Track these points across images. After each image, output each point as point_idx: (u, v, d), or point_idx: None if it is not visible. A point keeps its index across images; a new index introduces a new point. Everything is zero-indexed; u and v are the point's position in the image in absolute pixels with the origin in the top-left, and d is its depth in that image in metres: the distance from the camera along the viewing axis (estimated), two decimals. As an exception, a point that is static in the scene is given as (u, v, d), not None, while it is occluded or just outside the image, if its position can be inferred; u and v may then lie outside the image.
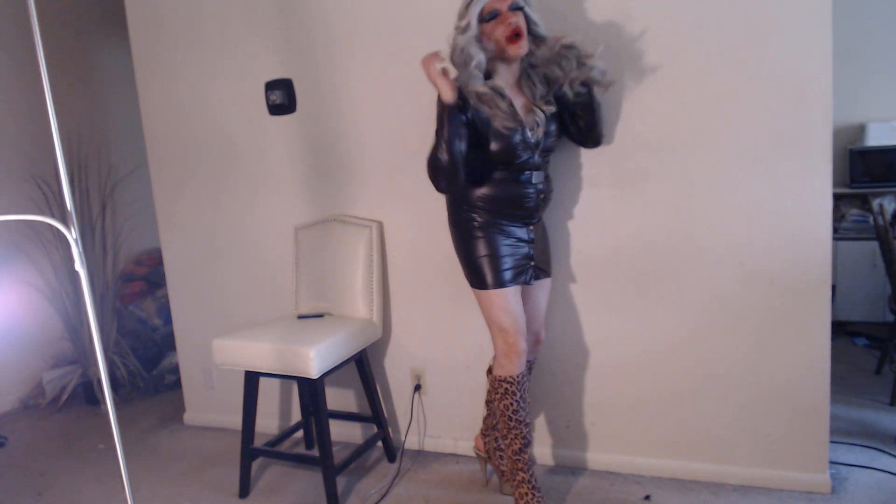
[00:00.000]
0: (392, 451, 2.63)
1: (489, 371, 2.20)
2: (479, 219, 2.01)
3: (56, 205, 3.52)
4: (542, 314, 2.22)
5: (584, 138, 2.12)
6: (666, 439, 2.32)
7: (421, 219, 2.52)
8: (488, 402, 2.29)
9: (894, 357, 3.06)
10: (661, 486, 2.27)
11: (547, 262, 2.18)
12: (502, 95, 1.93)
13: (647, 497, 2.21)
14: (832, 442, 2.32)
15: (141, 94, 2.99)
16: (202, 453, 2.84)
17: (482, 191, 2.00)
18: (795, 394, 2.14)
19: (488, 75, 1.96)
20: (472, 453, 2.55)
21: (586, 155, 2.25)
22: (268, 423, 2.95)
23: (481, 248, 2.00)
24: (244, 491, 2.43)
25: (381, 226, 2.60)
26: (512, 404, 2.02)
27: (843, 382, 3.03)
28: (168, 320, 3.78)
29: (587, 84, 2.00)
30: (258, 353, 2.29)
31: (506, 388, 2.02)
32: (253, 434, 2.42)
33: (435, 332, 2.59)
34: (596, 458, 2.42)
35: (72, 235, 1.53)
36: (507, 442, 2.07)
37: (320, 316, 2.58)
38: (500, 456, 2.27)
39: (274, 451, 2.52)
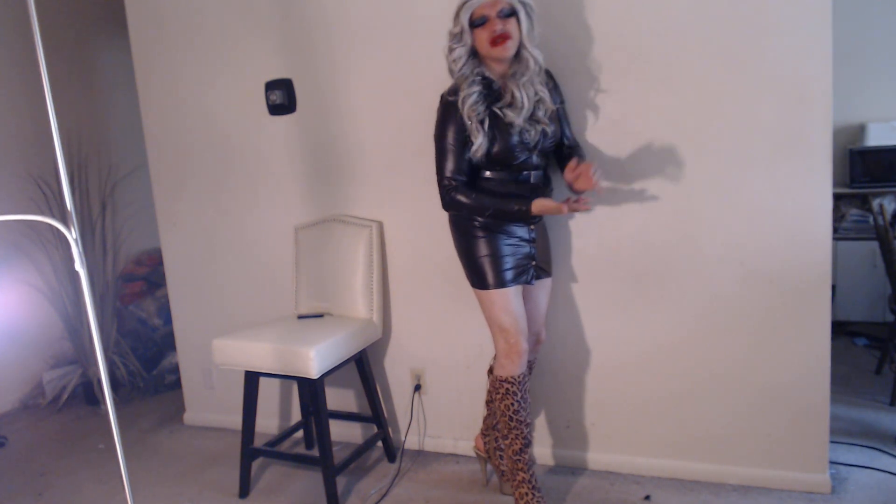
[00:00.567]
0: (392, 451, 2.63)
1: (490, 371, 2.20)
2: (479, 219, 2.01)
3: (56, 205, 3.52)
4: (542, 314, 2.22)
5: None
6: (666, 439, 2.32)
7: (421, 219, 2.52)
8: (489, 402, 2.29)
9: (894, 357, 3.06)
10: (661, 486, 2.27)
11: (547, 261, 2.18)
12: (500, 103, 1.94)
13: (647, 497, 2.21)
14: (832, 442, 2.32)
15: (141, 94, 2.99)
16: (202, 453, 2.84)
17: (484, 188, 2.00)
18: (795, 394, 2.14)
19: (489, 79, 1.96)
20: (472, 453, 2.55)
21: (587, 155, 2.25)
22: (268, 423, 2.95)
23: (482, 248, 2.01)
24: (244, 491, 2.43)
25: (381, 226, 2.60)
26: (513, 404, 2.02)
27: (843, 382, 3.03)
28: (168, 320, 3.78)
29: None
30: (258, 353, 2.29)
31: (507, 389, 2.02)
32: (253, 434, 2.42)
33: (435, 332, 2.59)
34: (596, 458, 2.42)
35: (72, 235, 1.53)
36: (507, 442, 2.07)
37: (320, 316, 2.58)
38: (500, 456, 2.27)
39: (274, 451, 2.52)
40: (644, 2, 2.12)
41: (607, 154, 2.23)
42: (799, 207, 2.05)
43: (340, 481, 2.46)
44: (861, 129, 3.88)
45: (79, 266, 1.54)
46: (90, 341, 3.46)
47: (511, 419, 2.03)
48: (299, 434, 2.89)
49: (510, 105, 1.94)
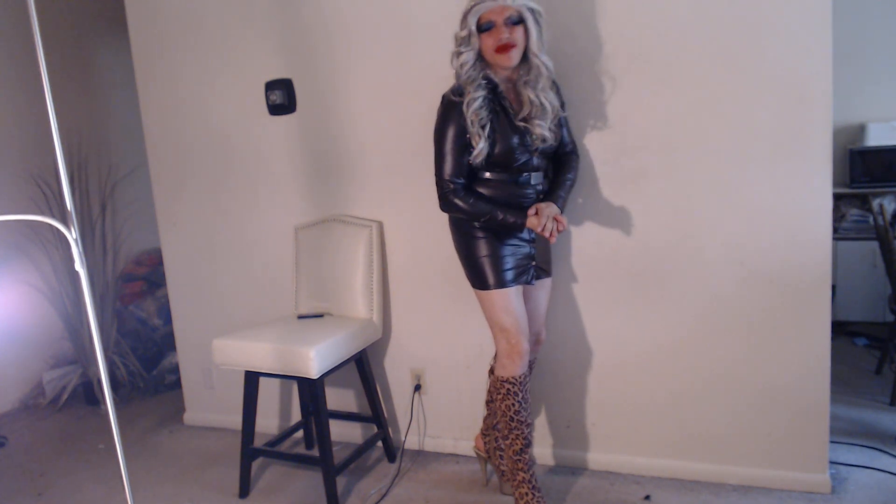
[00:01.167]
0: (392, 451, 2.63)
1: (491, 371, 2.20)
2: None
3: (56, 205, 3.52)
4: (542, 314, 2.22)
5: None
6: (666, 439, 2.32)
7: (421, 219, 2.52)
8: (489, 402, 2.29)
9: (894, 357, 3.06)
10: (661, 486, 2.27)
11: (547, 261, 2.18)
12: (503, 106, 1.95)
13: (647, 497, 2.21)
14: (832, 442, 2.32)
15: (141, 94, 2.99)
16: (202, 453, 2.84)
17: (484, 193, 2.00)
18: (795, 394, 2.14)
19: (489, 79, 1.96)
20: (472, 453, 2.55)
21: (586, 154, 2.25)
22: (268, 423, 2.95)
23: (482, 249, 2.01)
24: (244, 491, 2.43)
25: (381, 226, 2.60)
26: (514, 405, 2.02)
27: (843, 382, 3.03)
28: (168, 320, 3.78)
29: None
30: (258, 353, 2.29)
31: (508, 389, 2.02)
32: (253, 434, 2.42)
33: (435, 332, 2.59)
34: (596, 458, 2.42)
35: (72, 235, 1.53)
36: (507, 442, 2.07)
37: (320, 316, 2.58)
38: (501, 456, 2.27)
39: (274, 451, 2.52)
40: (644, 2, 2.12)
41: (607, 153, 2.23)
42: (799, 207, 2.05)
43: (340, 481, 2.46)
44: (861, 129, 3.88)
45: (79, 266, 1.54)
46: (90, 341, 3.46)
47: (512, 419, 2.03)
48: (299, 434, 2.89)
49: (531, 114, 1.94)
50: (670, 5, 2.09)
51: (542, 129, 1.95)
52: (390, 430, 2.70)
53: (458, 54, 1.94)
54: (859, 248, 3.72)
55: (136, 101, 3.01)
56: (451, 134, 1.94)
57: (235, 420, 2.86)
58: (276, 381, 2.93)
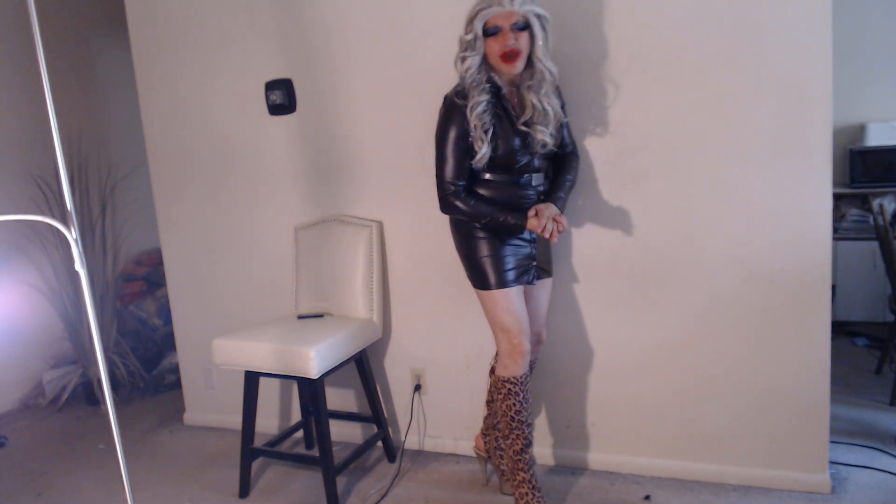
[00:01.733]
0: (392, 451, 2.63)
1: (492, 371, 2.20)
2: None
3: (56, 205, 3.52)
4: (543, 314, 2.22)
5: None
6: (666, 439, 2.32)
7: (421, 219, 2.52)
8: (489, 402, 2.29)
9: (894, 357, 3.06)
10: (661, 486, 2.27)
11: (548, 261, 2.18)
12: (505, 108, 1.95)
13: (647, 497, 2.21)
14: (832, 442, 2.32)
15: (141, 94, 2.99)
16: (202, 453, 2.84)
17: (484, 194, 2.00)
18: (795, 394, 2.14)
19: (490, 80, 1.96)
20: (472, 453, 2.55)
21: (586, 154, 2.25)
22: (268, 423, 2.95)
23: (484, 249, 2.00)
24: (244, 491, 2.43)
25: (381, 226, 2.60)
26: (515, 405, 2.02)
27: (843, 382, 3.03)
28: (168, 320, 3.78)
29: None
30: (258, 353, 2.29)
31: (509, 389, 2.02)
32: (253, 434, 2.42)
33: (435, 332, 2.59)
34: (596, 458, 2.42)
35: (72, 235, 1.53)
36: (508, 442, 2.07)
37: (320, 316, 2.58)
38: (501, 455, 2.27)
39: (274, 451, 2.52)
40: (645, 2, 2.11)
41: (607, 153, 2.23)
42: (799, 207, 2.05)
43: (340, 481, 2.46)
44: (861, 129, 3.88)
45: (79, 266, 1.54)
46: (90, 341, 3.46)
47: (513, 419, 2.03)
48: (299, 434, 2.89)
49: (533, 119, 1.94)
50: (670, 5, 2.09)
51: (544, 135, 1.95)
52: (390, 430, 2.70)
53: (463, 58, 1.93)
54: (859, 248, 3.71)
55: (136, 101, 3.01)
56: (452, 136, 1.94)
57: (235, 420, 2.86)
58: (276, 381, 2.93)
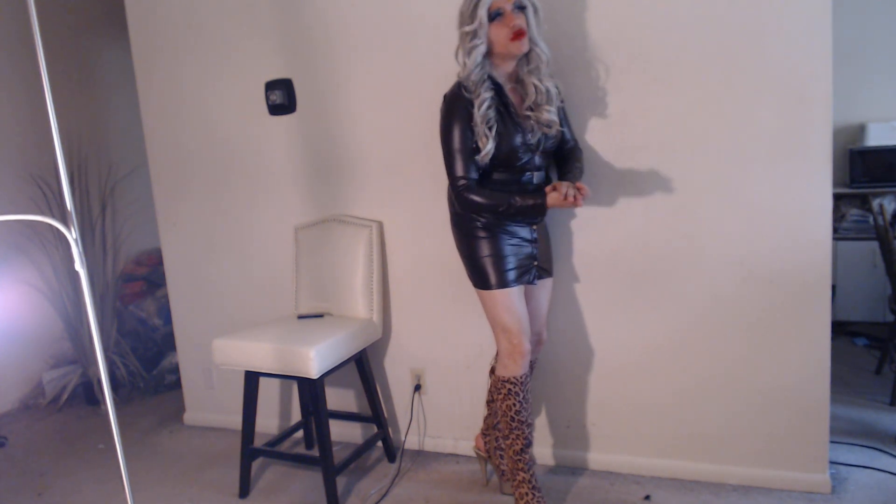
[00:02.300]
0: (392, 451, 2.63)
1: (492, 371, 2.20)
2: (482, 219, 2.00)
3: (56, 205, 3.52)
4: (543, 314, 2.22)
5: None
6: (666, 439, 2.32)
7: (421, 219, 2.52)
8: (489, 402, 2.29)
9: (894, 357, 3.06)
10: (661, 486, 2.27)
11: (549, 261, 2.18)
12: (505, 105, 1.95)
13: (647, 497, 2.21)
14: (832, 442, 2.32)
15: (141, 95, 2.99)
16: (202, 453, 2.84)
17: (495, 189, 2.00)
18: (795, 394, 2.14)
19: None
20: (472, 453, 2.55)
21: (586, 155, 2.25)
22: (268, 423, 2.95)
23: (485, 249, 2.00)
24: (244, 491, 2.43)
25: (381, 226, 2.60)
26: (515, 405, 2.02)
27: (843, 382, 3.03)
28: (168, 320, 3.78)
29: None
30: (258, 353, 2.29)
31: (509, 389, 2.02)
32: (253, 434, 2.42)
33: (435, 332, 2.59)
34: (596, 458, 2.42)
35: (72, 235, 1.53)
36: (508, 442, 2.07)
37: (320, 316, 2.58)
38: (501, 455, 2.27)
39: (274, 451, 2.52)
40: (645, 2, 2.11)
41: (607, 154, 2.23)
42: (799, 207, 2.05)
43: (340, 481, 2.46)
44: (861, 129, 3.89)
45: (79, 266, 1.54)
46: (90, 341, 3.46)
47: (513, 419, 2.03)
48: (299, 434, 2.89)
49: (537, 100, 1.95)
50: (670, 5, 2.09)
51: (550, 114, 1.96)
52: (390, 430, 2.70)
53: (469, 51, 1.92)
54: (859, 248, 3.72)
55: (136, 102, 3.01)
56: (457, 131, 1.94)
57: (235, 420, 2.86)
58: (276, 381, 2.93)
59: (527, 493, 2.05)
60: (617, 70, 2.18)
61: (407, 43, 2.44)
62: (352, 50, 2.54)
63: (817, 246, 2.05)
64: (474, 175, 1.96)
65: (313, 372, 2.20)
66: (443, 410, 2.64)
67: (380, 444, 2.68)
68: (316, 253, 2.65)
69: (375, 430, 2.67)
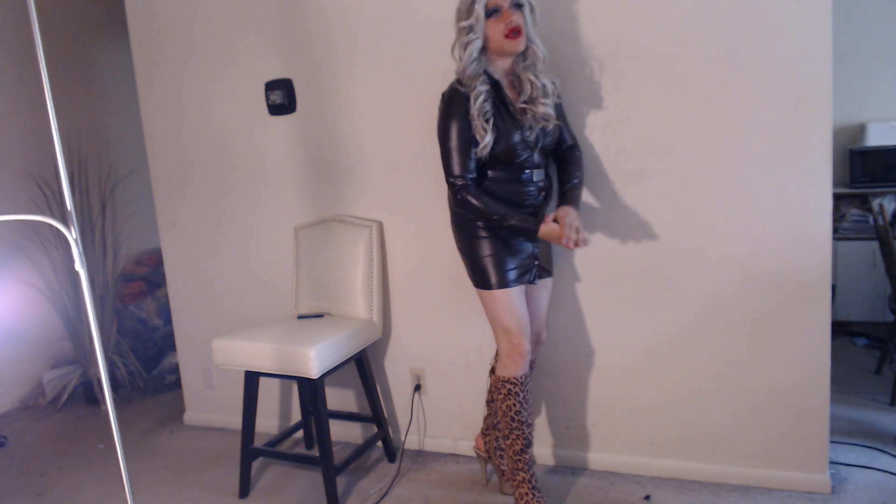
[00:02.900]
0: (392, 451, 2.63)
1: (492, 371, 2.20)
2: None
3: (56, 205, 3.52)
4: (543, 314, 2.22)
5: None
6: (666, 439, 2.32)
7: (421, 218, 2.52)
8: (489, 402, 2.29)
9: (894, 357, 3.06)
10: (661, 486, 2.27)
11: (549, 261, 2.18)
12: (503, 102, 1.95)
13: (647, 497, 2.21)
14: (832, 442, 2.32)
15: (141, 94, 2.99)
16: (202, 453, 2.84)
17: (493, 193, 2.00)
18: (795, 394, 2.14)
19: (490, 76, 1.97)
20: (472, 453, 2.55)
21: (586, 155, 2.25)
22: (268, 423, 2.95)
23: (485, 248, 2.00)
24: (244, 491, 2.43)
25: (381, 226, 2.60)
26: (515, 405, 2.02)
27: (843, 382, 3.02)
28: (168, 320, 3.78)
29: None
30: (258, 353, 2.29)
31: (509, 389, 2.02)
32: (253, 434, 2.42)
33: (435, 332, 2.59)
34: (596, 458, 2.42)
35: (72, 235, 1.53)
36: (508, 442, 2.07)
37: (320, 316, 2.58)
38: (501, 455, 2.27)
39: (274, 451, 2.52)
40: (644, 2, 2.11)
41: (607, 153, 2.23)
42: (799, 207, 2.05)
43: (340, 481, 2.46)
44: (861, 129, 3.88)
45: (79, 266, 1.54)
46: (90, 341, 3.46)
47: (513, 419, 2.03)
48: (299, 434, 2.89)
49: (534, 95, 1.96)
50: (670, 5, 2.09)
51: (546, 108, 1.97)
52: (390, 430, 2.70)
53: (465, 45, 1.93)
54: (859, 248, 3.71)
55: (136, 101, 3.01)
56: (455, 130, 1.94)
57: (235, 420, 2.86)
58: (276, 381, 2.93)
59: (527, 494, 2.05)
60: (616, 70, 2.18)
61: (407, 43, 2.44)
62: (352, 50, 2.54)
63: (817, 246, 2.05)
64: (472, 174, 1.96)
65: (313, 372, 2.20)
66: (443, 410, 2.64)
67: (380, 444, 2.68)
68: (316, 253, 2.65)
69: (375, 430, 2.67)
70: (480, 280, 2.03)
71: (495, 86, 1.96)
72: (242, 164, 2.83)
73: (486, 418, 2.32)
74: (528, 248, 2.05)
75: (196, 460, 2.78)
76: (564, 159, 2.14)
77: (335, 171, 2.66)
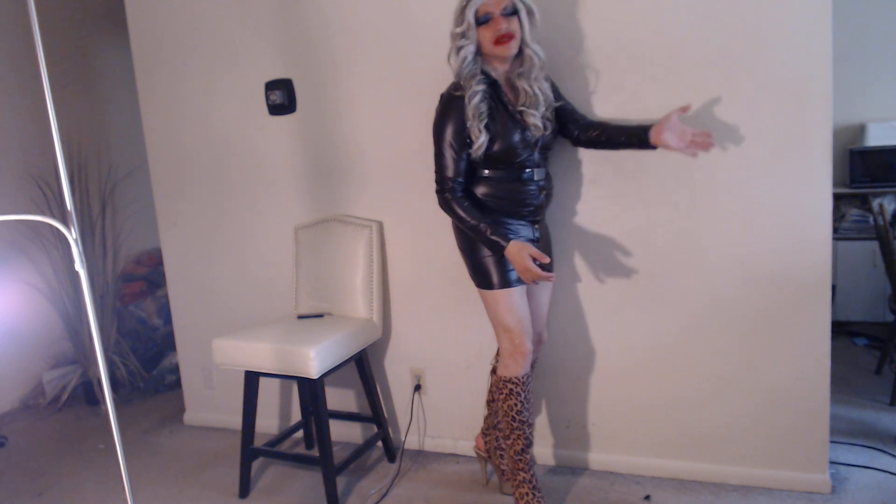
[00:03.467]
0: (392, 451, 2.63)
1: (493, 371, 2.20)
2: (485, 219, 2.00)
3: (56, 205, 3.52)
4: (544, 314, 2.22)
5: (575, 143, 2.16)
6: (666, 439, 2.32)
7: (421, 218, 2.52)
8: (490, 402, 2.29)
9: (894, 357, 3.06)
10: (661, 486, 2.27)
11: (550, 261, 2.18)
12: (502, 101, 1.95)
13: (647, 497, 2.21)
14: (832, 442, 2.32)
15: (141, 94, 2.99)
16: (202, 453, 2.84)
17: (485, 191, 2.00)
18: (795, 394, 2.14)
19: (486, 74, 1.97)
20: (472, 453, 2.55)
21: (586, 154, 2.25)
22: (268, 423, 2.95)
23: (486, 248, 2.00)
24: (244, 491, 2.43)
25: (381, 226, 2.60)
26: (516, 405, 2.02)
27: (843, 382, 3.02)
28: (168, 320, 3.78)
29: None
30: (258, 353, 2.29)
31: (510, 389, 2.02)
32: (253, 434, 2.42)
33: (435, 332, 2.59)
34: (596, 458, 2.42)
35: (72, 235, 1.53)
36: (509, 442, 2.07)
37: (320, 316, 2.58)
38: (501, 455, 2.27)
39: (274, 451, 2.52)
40: (644, 2, 2.11)
41: (607, 153, 2.23)
42: (799, 208, 2.05)
43: (340, 481, 2.46)
44: (861, 129, 3.88)
45: (79, 266, 1.54)
46: (90, 341, 3.46)
47: (514, 419, 2.03)
48: (299, 434, 2.89)
49: (524, 104, 1.95)
50: (670, 5, 2.09)
51: (535, 119, 1.96)
52: (390, 430, 2.70)
53: (458, 50, 1.94)
54: (859, 248, 3.71)
55: (136, 102, 3.01)
56: (450, 131, 1.94)
57: (235, 420, 2.86)
58: (276, 381, 2.93)
59: (527, 493, 2.05)
60: (617, 70, 2.18)
61: (407, 43, 2.44)
62: (352, 50, 2.54)
63: (817, 246, 2.05)
64: (461, 178, 1.97)
65: (313, 372, 2.20)
66: (443, 410, 2.64)
67: (380, 444, 2.68)
68: (316, 253, 2.65)
69: (375, 430, 2.67)
70: (482, 280, 2.03)
71: (493, 85, 1.96)
72: (242, 164, 2.83)
73: (486, 418, 2.32)
74: (529, 247, 2.05)
75: (196, 460, 2.78)
76: (594, 127, 2.08)
77: (335, 171, 2.66)
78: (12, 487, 2.65)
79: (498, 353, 2.13)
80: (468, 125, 1.92)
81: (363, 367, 2.51)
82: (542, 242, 2.11)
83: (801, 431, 2.14)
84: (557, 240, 2.32)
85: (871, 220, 3.70)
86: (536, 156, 2.01)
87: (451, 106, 1.94)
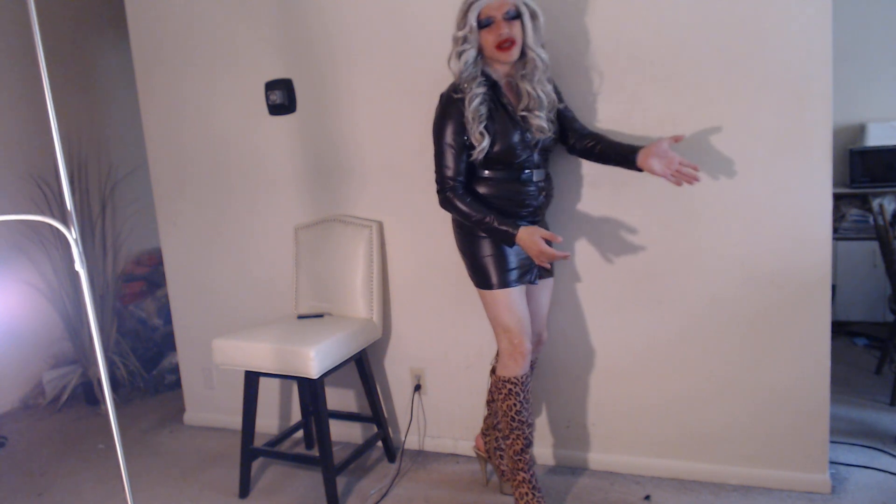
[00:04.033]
0: (392, 451, 2.63)
1: (493, 371, 2.20)
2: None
3: (56, 205, 3.52)
4: (544, 314, 2.22)
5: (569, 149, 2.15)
6: (666, 439, 2.32)
7: (421, 218, 2.52)
8: (490, 402, 2.29)
9: (894, 357, 3.06)
10: (661, 486, 2.27)
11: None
12: (501, 103, 1.95)
13: (647, 497, 2.21)
14: (832, 442, 2.32)
15: (141, 94, 2.99)
16: (202, 453, 2.84)
17: (485, 192, 2.00)
18: (795, 394, 2.14)
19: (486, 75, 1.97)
20: (472, 453, 2.55)
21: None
22: (268, 423, 2.95)
23: (486, 248, 2.00)
24: (244, 491, 2.43)
25: (381, 226, 2.60)
26: (515, 405, 2.02)
27: (843, 382, 3.02)
28: (168, 320, 3.78)
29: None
30: (258, 353, 2.29)
31: (510, 389, 2.02)
32: (253, 434, 2.42)
33: (435, 332, 2.59)
34: (596, 458, 2.42)
35: (72, 235, 1.53)
36: (508, 442, 2.07)
37: (320, 316, 2.58)
38: (501, 455, 2.27)
39: (274, 451, 2.52)
40: (645, 2, 2.11)
41: (607, 154, 2.23)
42: (799, 207, 2.05)
43: (340, 481, 2.46)
44: (861, 129, 3.88)
45: (79, 266, 1.54)
46: (90, 341, 3.46)
47: (513, 419, 2.03)
48: (299, 434, 2.89)
49: (528, 106, 1.95)
50: (671, 6, 2.09)
51: (540, 121, 1.96)
52: (390, 430, 2.70)
53: (459, 54, 1.94)
54: (859, 248, 3.71)
55: (136, 102, 3.01)
56: (449, 131, 1.95)
57: (235, 420, 2.86)
58: (276, 381, 2.93)
59: (527, 493, 2.05)
60: (617, 70, 2.18)
61: (407, 43, 2.44)
62: (352, 50, 2.54)
63: (817, 246, 2.05)
64: (461, 177, 1.97)
65: (313, 372, 2.20)
66: (443, 410, 2.64)
67: (380, 444, 2.68)
68: (316, 253, 2.65)
69: (375, 430, 2.67)
70: (481, 280, 2.03)
71: (493, 87, 1.96)
72: (242, 164, 2.83)
73: (486, 418, 2.32)
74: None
75: (196, 460, 2.78)
76: (589, 137, 2.09)
77: (335, 171, 2.67)
78: (12, 487, 2.65)
79: (497, 354, 2.13)
80: (468, 128, 1.92)
81: (363, 367, 2.51)
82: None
83: (801, 431, 2.14)
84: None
85: (871, 220, 3.70)
86: (536, 157, 2.01)
87: (450, 107, 1.95)
